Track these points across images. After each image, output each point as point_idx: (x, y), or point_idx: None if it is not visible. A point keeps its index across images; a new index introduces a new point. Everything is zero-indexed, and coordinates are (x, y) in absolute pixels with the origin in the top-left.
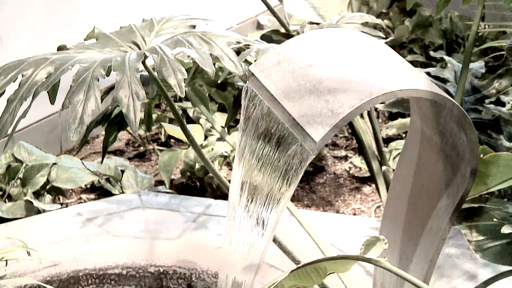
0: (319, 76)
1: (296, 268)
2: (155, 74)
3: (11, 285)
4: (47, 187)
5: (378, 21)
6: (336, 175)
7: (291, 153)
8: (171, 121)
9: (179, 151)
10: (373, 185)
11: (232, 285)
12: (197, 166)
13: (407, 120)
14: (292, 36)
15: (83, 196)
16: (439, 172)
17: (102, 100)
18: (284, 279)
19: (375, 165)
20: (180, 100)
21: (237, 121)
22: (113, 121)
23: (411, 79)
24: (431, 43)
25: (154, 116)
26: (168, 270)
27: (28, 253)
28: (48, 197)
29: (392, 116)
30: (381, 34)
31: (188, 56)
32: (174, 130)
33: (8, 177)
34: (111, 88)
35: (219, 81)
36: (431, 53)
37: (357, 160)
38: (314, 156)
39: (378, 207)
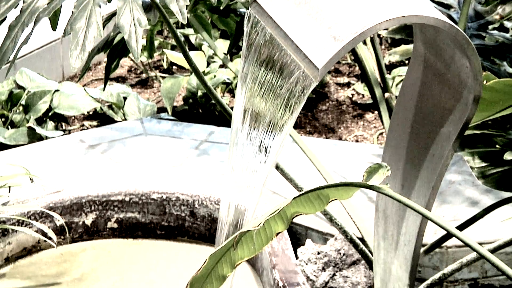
0: (322, 2)
1: (299, 195)
2: (157, 0)
3: (14, 211)
4: (50, 113)
5: None
6: (339, 102)
7: (293, 80)
8: (173, 48)
9: (181, 78)
10: (376, 112)
11: (235, 211)
12: (199, 93)
13: (410, 46)
14: None
15: (86, 123)
16: (441, 99)
17: (104, 27)
18: (287, 206)
19: (377, 92)
20: (182, 26)
21: (239, 48)
22: (115, 47)
23: (415, 5)
24: None
25: (156, 42)
26: (171, 196)
27: (31, 180)
28: (50, 124)
29: (395, 43)
30: None
31: None
32: (177, 57)
33: (10, 103)
34: (113, 14)
35: (221, 7)
36: None
37: (360, 87)
38: (317, 83)
39: (381, 134)
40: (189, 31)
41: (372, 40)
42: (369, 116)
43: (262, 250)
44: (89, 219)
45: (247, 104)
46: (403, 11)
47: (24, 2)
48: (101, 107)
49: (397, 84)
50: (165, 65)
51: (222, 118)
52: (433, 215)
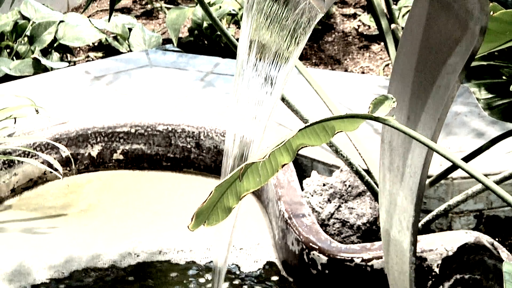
0: None
1: (305, 126)
2: None
3: (20, 143)
4: (55, 45)
5: None
6: (345, 33)
7: (299, 11)
8: None
9: (186, 9)
10: (382, 43)
11: (240, 143)
12: (205, 24)
13: None
14: None
15: (91, 54)
16: (448, 30)
17: None
18: (292, 138)
19: (384, 23)
20: None
21: None
22: None
23: None
24: None
25: None
26: (177, 128)
27: (37, 111)
28: (55, 55)
29: None
30: None
31: None
32: None
33: (15, 34)
34: None
35: None
36: None
37: (366, 18)
38: (323, 14)
39: (387, 65)
40: None
41: None
42: (375, 47)
43: (267, 182)
44: (95, 151)
45: (252, 35)
46: None
47: None
48: (106, 38)
49: (403, 15)
50: None
51: (228, 50)
52: (439, 147)
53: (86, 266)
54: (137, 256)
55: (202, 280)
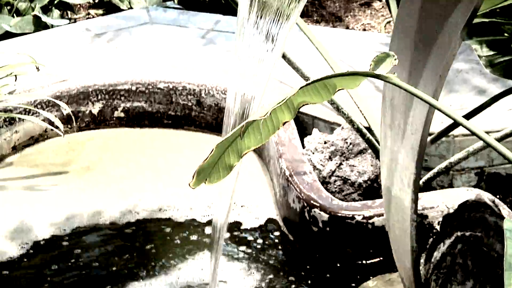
0: None
1: (306, 84)
2: None
3: (20, 100)
4: (55, 2)
5: None
6: None
7: None
8: None
9: None
10: (384, 0)
11: (241, 101)
12: None
13: None
14: None
15: (91, 11)
16: None
17: None
18: (294, 95)
19: None
20: None
21: None
22: None
23: None
24: None
25: None
26: (178, 86)
27: (37, 69)
28: (56, 12)
29: None
30: None
31: None
32: None
33: None
34: None
35: None
36: None
37: None
38: None
39: (388, 22)
40: None
41: None
42: (377, 4)
43: (268, 139)
44: (95, 108)
45: None
46: None
47: None
48: None
49: None
50: None
51: (229, 7)
52: (440, 104)
53: (87, 223)
54: (137, 213)
55: (202, 237)
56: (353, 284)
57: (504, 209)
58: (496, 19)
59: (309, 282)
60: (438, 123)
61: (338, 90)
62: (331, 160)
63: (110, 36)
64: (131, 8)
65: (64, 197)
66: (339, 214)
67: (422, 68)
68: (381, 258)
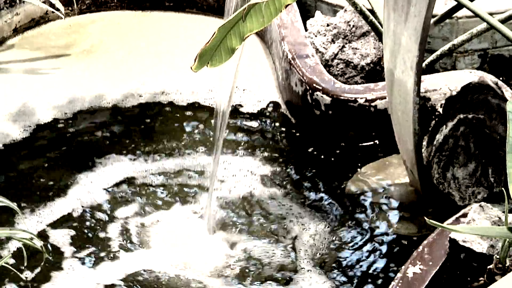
0: None
1: None
2: None
3: None
4: None
5: None
6: None
7: None
8: None
9: None
10: None
11: None
12: None
13: None
14: None
15: None
16: None
17: None
18: None
19: None
20: None
21: None
22: None
23: None
24: None
25: None
26: None
27: None
28: None
29: None
30: None
31: None
32: None
33: None
34: None
35: None
36: None
37: None
38: None
39: None
40: None
41: None
42: None
43: (271, 22)
44: None
45: None
46: None
47: None
48: None
49: None
50: None
51: None
52: None
53: (89, 106)
54: (140, 96)
55: (205, 118)
56: (356, 166)
57: (507, 91)
58: None
59: (311, 164)
60: (442, 5)
61: None
62: (334, 43)
63: None
64: None
65: (66, 80)
66: (342, 97)
67: None
68: (384, 141)
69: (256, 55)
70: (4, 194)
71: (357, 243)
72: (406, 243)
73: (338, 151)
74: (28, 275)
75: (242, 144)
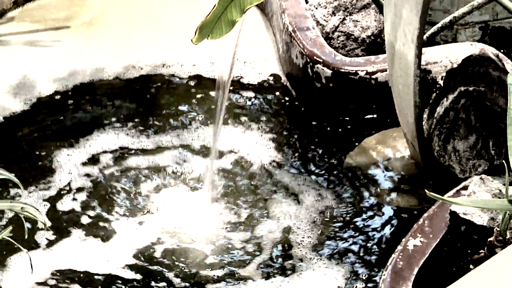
0: None
1: None
2: None
3: None
4: None
5: None
6: None
7: None
8: None
9: None
10: None
11: None
12: None
13: None
14: None
15: None
16: None
17: None
18: None
19: None
20: None
21: None
22: None
23: None
24: None
25: None
26: None
27: None
28: None
29: None
30: None
31: None
32: None
33: None
34: None
35: None
36: None
37: None
38: None
39: None
40: None
41: None
42: None
43: None
44: None
45: None
46: None
47: None
48: None
49: None
50: None
51: None
52: None
53: (90, 79)
54: (141, 69)
55: (206, 91)
56: (357, 139)
57: (508, 64)
58: None
59: (312, 136)
60: None
61: None
62: (335, 15)
63: None
64: None
65: (67, 53)
66: (342, 70)
67: None
68: (384, 114)
69: (257, 28)
70: (4, 167)
71: (356, 216)
72: (406, 216)
73: (338, 124)
74: (30, 247)
75: (242, 116)
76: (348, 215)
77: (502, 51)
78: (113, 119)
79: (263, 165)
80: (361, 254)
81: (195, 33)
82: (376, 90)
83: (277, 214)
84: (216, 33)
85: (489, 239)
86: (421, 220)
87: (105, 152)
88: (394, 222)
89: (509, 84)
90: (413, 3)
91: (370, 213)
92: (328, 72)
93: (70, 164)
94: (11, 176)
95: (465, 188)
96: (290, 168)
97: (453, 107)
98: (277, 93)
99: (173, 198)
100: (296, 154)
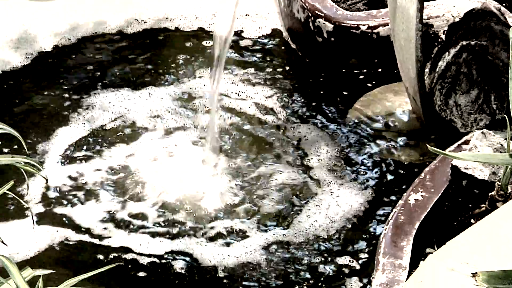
0: None
1: None
2: None
3: None
4: None
5: None
6: None
7: None
8: None
9: None
10: None
11: None
12: None
13: None
14: None
15: None
16: None
17: None
18: None
19: None
20: None
21: None
22: None
23: None
24: None
25: None
26: None
27: None
28: None
29: None
30: None
31: None
32: None
33: None
34: None
35: None
36: None
37: None
38: None
39: None
40: None
41: None
42: None
43: None
44: None
45: None
46: None
47: None
48: None
49: None
50: None
51: None
52: None
53: (92, 33)
54: (144, 22)
55: (210, 45)
56: (358, 93)
57: (510, 18)
58: None
59: (313, 91)
60: None
61: None
62: None
63: None
64: None
65: (68, 6)
66: (344, 24)
67: None
68: (386, 68)
69: None
70: (3, 121)
71: (358, 171)
72: (408, 170)
73: (340, 78)
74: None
75: (243, 69)
76: (348, 170)
77: (504, 5)
78: (116, 73)
79: (261, 117)
80: (362, 210)
81: None
82: (378, 45)
83: (278, 161)
84: None
85: (490, 194)
86: (423, 174)
87: (104, 105)
88: (395, 176)
89: (511, 38)
90: None
91: (370, 168)
92: (330, 26)
93: (71, 119)
94: (12, 130)
95: (467, 142)
96: (289, 121)
97: (455, 62)
98: (278, 48)
99: (170, 151)
100: (297, 108)
